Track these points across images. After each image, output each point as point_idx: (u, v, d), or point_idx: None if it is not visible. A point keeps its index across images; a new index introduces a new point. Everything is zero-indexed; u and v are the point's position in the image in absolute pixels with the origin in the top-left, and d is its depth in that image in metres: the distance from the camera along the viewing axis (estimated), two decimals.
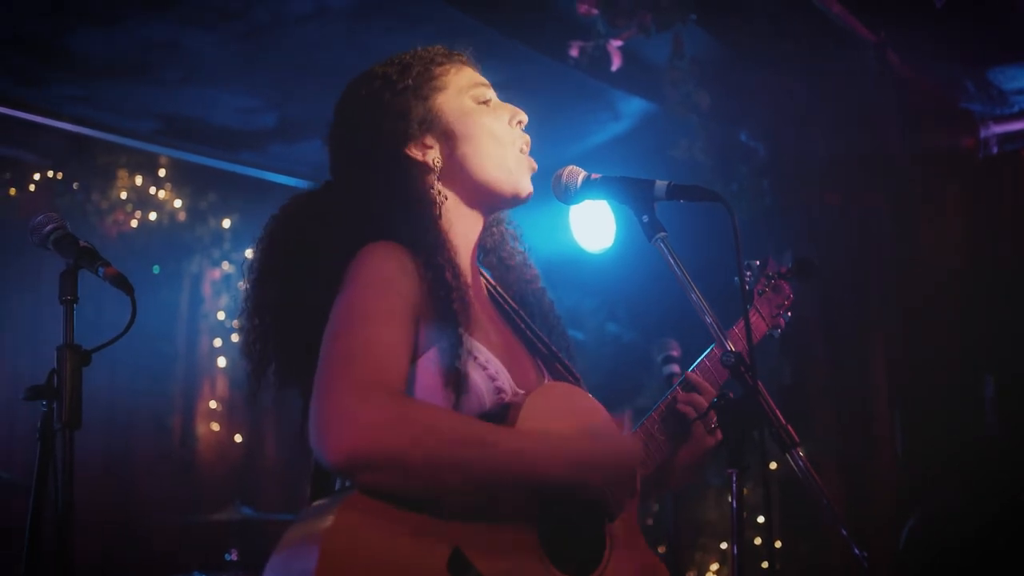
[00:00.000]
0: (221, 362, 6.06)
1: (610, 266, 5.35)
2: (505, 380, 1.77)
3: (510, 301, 2.02)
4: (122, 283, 1.83)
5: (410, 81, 1.89)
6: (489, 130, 1.89)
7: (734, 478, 1.73)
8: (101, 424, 5.55)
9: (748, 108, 4.78)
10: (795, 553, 5.30)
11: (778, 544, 5.21)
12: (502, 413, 1.73)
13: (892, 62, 4.49)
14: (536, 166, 1.96)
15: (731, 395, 1.81)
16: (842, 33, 4.42)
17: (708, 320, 1.82)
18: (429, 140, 1.87)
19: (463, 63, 1.96)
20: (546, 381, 1.93)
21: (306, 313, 1.74)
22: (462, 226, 1.90)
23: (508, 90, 2.07)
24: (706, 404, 1.94)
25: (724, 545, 5.17)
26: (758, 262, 2.24)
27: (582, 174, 1.92)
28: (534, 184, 1.96)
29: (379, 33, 4.29)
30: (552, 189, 1.96)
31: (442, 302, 1.71)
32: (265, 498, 5.34)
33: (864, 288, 5.02)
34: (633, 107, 5.14)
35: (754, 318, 2.17)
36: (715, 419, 1.80)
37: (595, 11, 3.79)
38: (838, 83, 4.61)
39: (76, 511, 5.29)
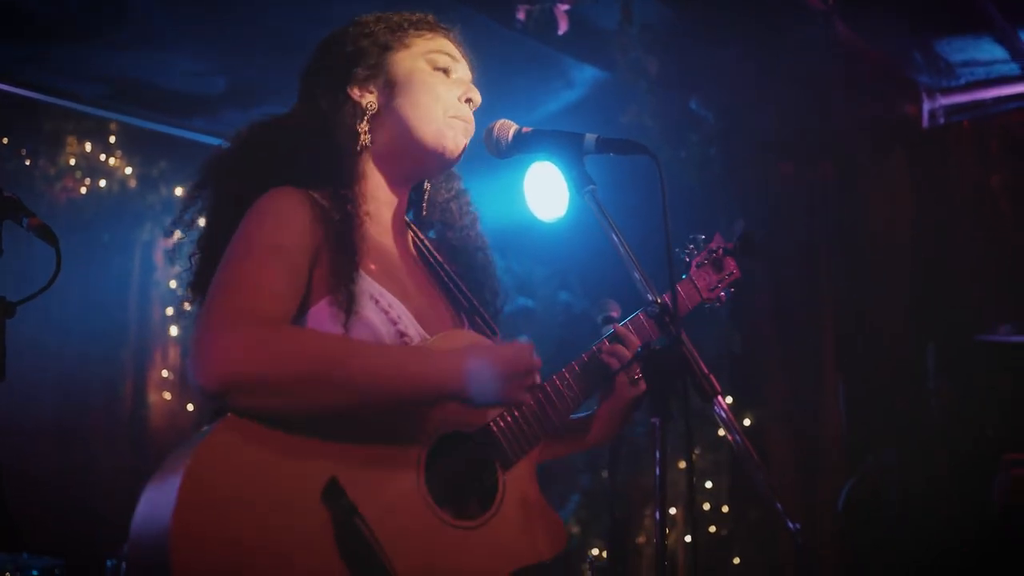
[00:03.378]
0: (173, 331, 6.00)
1: (563, 235, 5.36)
2: (410, 324, 1.80)
3: (437, 256, 2.05)
4: (47, 234, 1.81)
5: (380, 29, 1.94)
6: (431, 90, 1.91)
7: (657, 427, 1.76)
8: (53, 392, 5.50)
9: (698, 76, 4.79)
10: (744, 518, 5.38)
11: (725, 509, 5.29)
12: None
13: (841, 32, 4.52)
14: (473, 130, 1.97)
15: (655, 346, 1.84)
16: (792, 2, 4.44)
17: (636, 275, 1.85)
18: (372, 86, 1.92)
19: (446, 37, 2.00)
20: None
21: (217, 241, 1.79)
22: (386, 177, 1.94)
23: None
24: (629, 356, 1.96)
25: (674, 511, 5.23)
26: (703, 236, 2.27)
27: (513, 128, 1.94)
28: (480, 147, 1.98)
29: None
30: (484, 143, 1.98)
31: (341, 245, 1.75)
32: None
33: (813, 257, 5.08)
34: (585, 75, 5.14)
35: (687, 288, 2.19)
36: (638, 371, 1.82)
37: None
38: (787, 52, 4.64)
39: (28, 479, 5.21)
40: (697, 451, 5.15)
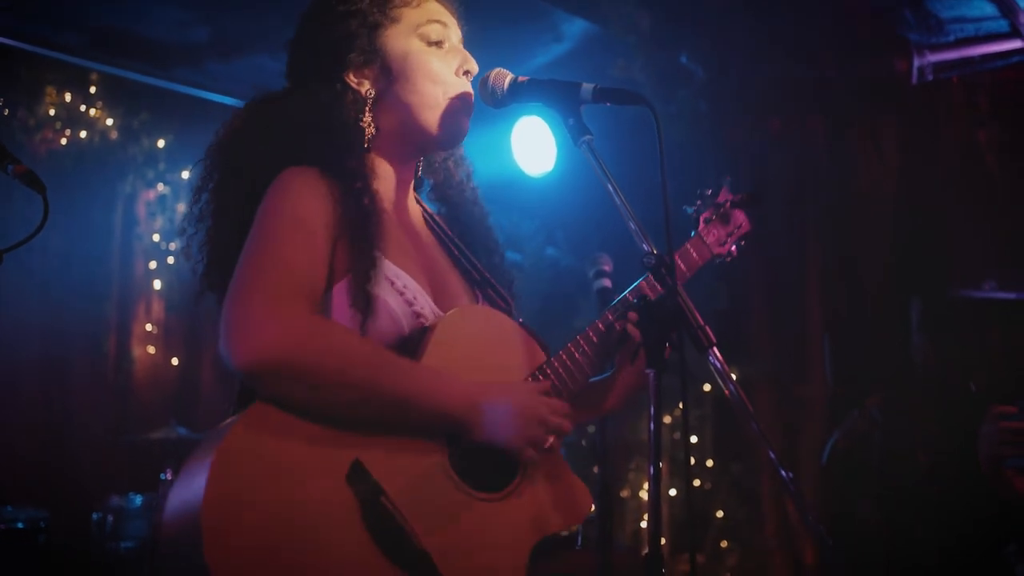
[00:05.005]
0: (156, 284, 5.96)
1: (550, 190, 5.34)
2: (425, 304, 1.80)
3: (447, 230, 2.05)
4: (33, 181, 1.77)
5: (365, 5, 1.89)
6: (429, 73, 1.90)
7: (652, 378, 1.76)
8: (35, 344, 5.47)
9: (689, 31, 4.75)
10: (727, 473, 5.44)
11: (710, 463, 5.34)
12: (418, 336, 1.78)
13: None
14: (473, 105, 1.95)
15: (649, 297, 1.83)
16: None
17: (632, 226, 1.83)
18: (368, 72, 1.89)
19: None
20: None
21: (231, 226, 1.79)
22: (393, 158, 1.93)
23: None
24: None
25: (651, 470, 5.26)
26: (710, 191, 2.23)
27: (508, 77, 1.92)
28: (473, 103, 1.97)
29: None
30: (479, 93, 1.96)
31: (357, 227, 1.75)
32: (201, 419, 5.32)
33: (800, 213, 5.09)
34: (575, 28, 5.08)
35: (697, 244, 2.15)
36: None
37: None
38: (778, 8, 4.60)
39: (10, 433, 5.19)
40: (681, 406, 5.18)
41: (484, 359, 1.82)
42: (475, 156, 2.20)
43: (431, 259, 1.93)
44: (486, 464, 1.78)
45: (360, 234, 1.74)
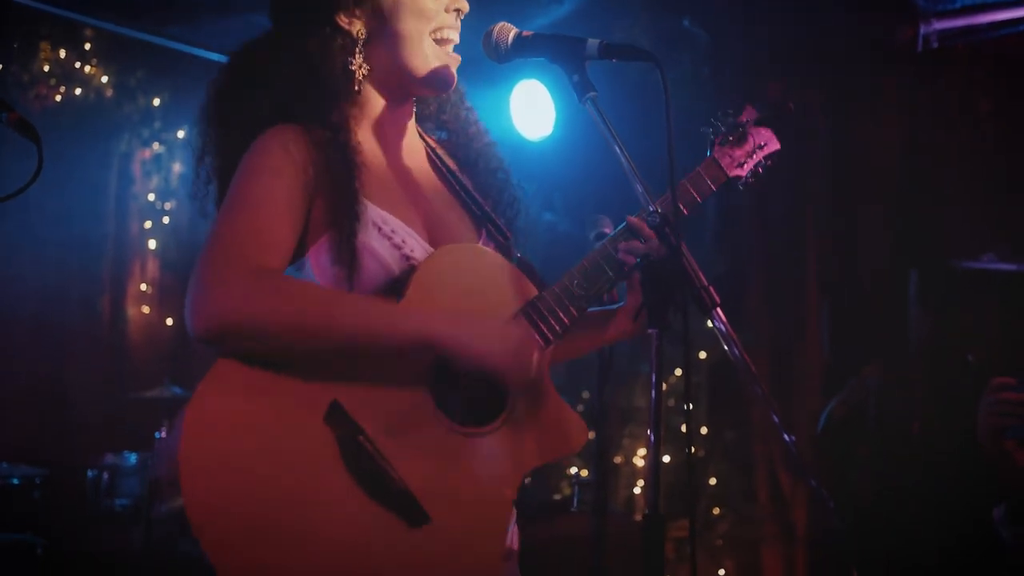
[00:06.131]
0: (152, 244, 5.93)
1: (548, 155, 5.30)
2: (417, 246, 1.79)
3: (449, 164, 2.01)
4: (26, 129, 1.74)
5: None
6: (417, 9, 1.86)
7: (655, 339, 1.75)
8: (30, 302, 5.44)
9: None
10: (720, 439, 5.46)
11: (704, 431, 5.36)
12: (404, 277, 1.76)
13: None
14: (459, 60, 1.94)
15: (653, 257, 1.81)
16: None
17: (637, 186, 1.81)
18: (358, 11, 1.86)
19: None
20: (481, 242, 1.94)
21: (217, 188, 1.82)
22: (387, 97, 1.91)
23: None
24: (644, 248, 1.85)
25: (649, 433, 5.28)
26: (731, 110, 2.07)
27: (513, 31, 1.89)
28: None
29: None
30: (483, 47, 1.93)
31: (339, 182, 1.73)
32: (196, 378, 5.29)
33: (799, 179, 5.06)
34: None
35: (709, 169, 2.03)
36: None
37: None
38: None
39: (5, 389, 5.17)
40: (678, 372, 5.18)
41: (468, 297, 1.79)
42: None
43: (428, 199, 1.91)
44: (472, 400, 1.77)
45: (342, 188, 1.73)
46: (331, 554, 1.57)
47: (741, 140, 2.05)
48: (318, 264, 1.72)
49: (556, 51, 1.84)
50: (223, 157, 1.82)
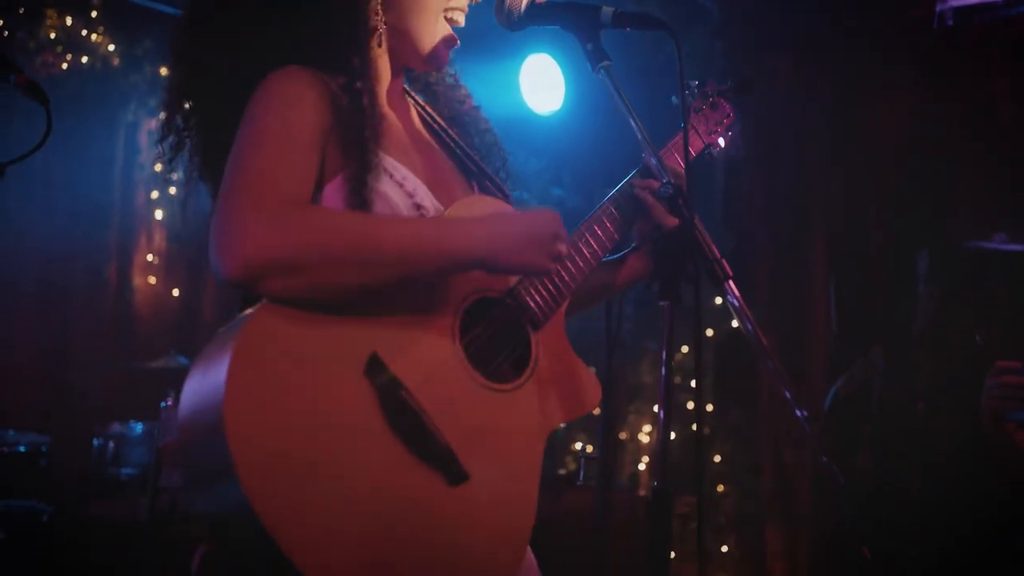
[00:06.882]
0: (158, 215, 5.92)
1: (558, 129, 5.28)
2: (425, 196, 1.78)
3: (440, 122, 2.02)
4: (35, 92, 1.73)
5: None
6: None
7: (666, 312, 1.74)
8: (36, 271, 5.45)
9: None
10: (726, 418, 5.46)
11: (710, 408, 5.35)
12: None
13: None
14: (458, 43, 1.93)
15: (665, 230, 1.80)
16: None
17: (654, 162, 1.79)
18: None
19: None
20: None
21: (222, 131, 1.73)
22: (393, 54, 1.90)
23: None
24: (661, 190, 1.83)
25: (658, 408, 5.28)
26: (696, 82, 2.20)
27: None
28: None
29: None
30: (495, 15, 1.92)
31: (355, 124, 1.71)
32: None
33: (808, 158, 5.03)
34: None
35: (690, 136, 2.11)
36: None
37: None
38: None
39: (9, 359, 5.19)
40: (685, 349, 5.18)
41: None
42: (482, 93, 2.17)
43: (426, 151, 1.91)
44: (496, 355, 1.77)
45: (357, 132, 1.70)
46: (374, 508, 1.54)
47: (714, 108, 2.17)
48: (333, 205, 1.70)
49: (570, 19, 1.83)
50: (216, 102, 1.76)
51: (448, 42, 1.90)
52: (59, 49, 5.56)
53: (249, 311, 1.55)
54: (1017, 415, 2.90)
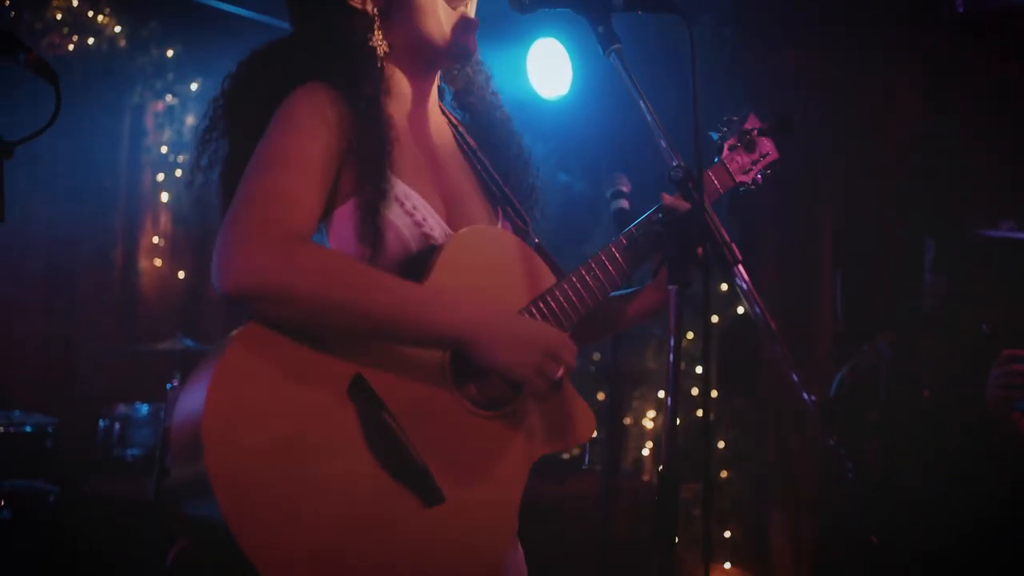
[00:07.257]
0: (164, 197, 5.92)
1: (564, 114, 5.26)
2: (436, 226, 1.78)
3: (470, 142, 2.00)
4: (44, 70, 1.72)
5: None
6: None
7: (674, 296, 1.73)
8: (42, 252, 5.45)
9: None
10: (730, 404, 5.46)
11: (714, 394, 5.35)
12: (426, 256, 1.75)
13: None
14: (478, 24, 1.91)
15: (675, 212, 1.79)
16: None
17: (663, 143, 1.78)
18: None
19: None
20: (499, 224, 1.94)
21: (240, 157, 1.75)
22: (409, 72, 1.90)
23: None
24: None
25: (662, 394, 5.28)
26: (736, 117, 2.16)
27: None
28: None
29: None
30: None
31: (368, 152, 1.72)
32: (207, 331, 5.31)
33: (815, 146, 5.01)
34: None
35: (718, 172, 2.09)
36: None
37: None
38: None
39: (16, 340, 5.18)
40: (690, 335, 5.17)
41: (488, 281, 1.79)
42: None
43: (450, 177, 1.90)
44: (488, 380, 1.76)
45: (370, 159, 1.71)
46: (345, 528, 1.56)
47: (749, 148, 2.11)
48: (339, 232, 1.71)
49: (581, 1, 1.81)
50: (240, 125, 1.79)
51: (462, 26, 1.88)
52: (65, 30, 5.55)
53: (235, 332, 1.58)
54: (1022, 404, 2.90)
